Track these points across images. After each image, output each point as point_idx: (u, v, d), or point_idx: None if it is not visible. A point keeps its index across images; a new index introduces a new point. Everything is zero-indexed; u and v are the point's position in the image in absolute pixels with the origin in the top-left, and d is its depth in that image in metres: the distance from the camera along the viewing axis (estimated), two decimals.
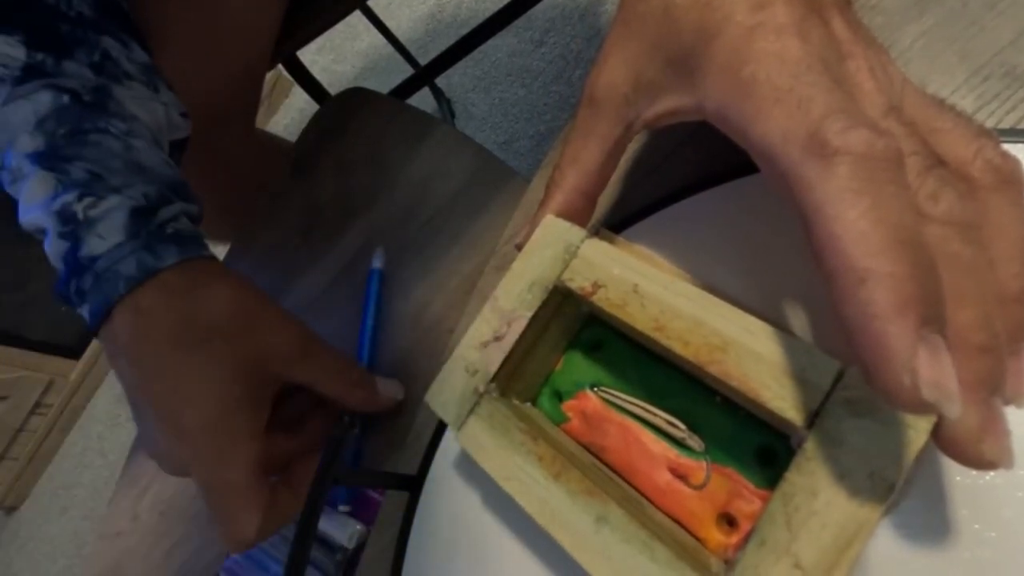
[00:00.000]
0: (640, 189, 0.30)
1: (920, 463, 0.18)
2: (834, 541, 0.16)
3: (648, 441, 0.23)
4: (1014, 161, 0.17)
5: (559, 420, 0.25)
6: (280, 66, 0.78)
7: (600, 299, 0.22)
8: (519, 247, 0.25)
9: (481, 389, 0.24)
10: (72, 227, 0.31)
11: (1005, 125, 0.22)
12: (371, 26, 1.19)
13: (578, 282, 0.23)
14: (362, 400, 0.36)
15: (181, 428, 0.30)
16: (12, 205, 0.34)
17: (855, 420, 0.17)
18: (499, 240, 0.37)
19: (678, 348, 0.20)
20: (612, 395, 0.24)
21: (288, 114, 1.74)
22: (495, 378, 0.24)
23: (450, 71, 1.13)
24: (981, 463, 0.15)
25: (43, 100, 0.33)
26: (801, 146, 0.15)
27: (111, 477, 1.74)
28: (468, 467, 0.28)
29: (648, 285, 0.22)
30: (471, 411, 0.24)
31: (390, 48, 1.25)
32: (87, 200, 0.32)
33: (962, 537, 0.18)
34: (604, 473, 0.23)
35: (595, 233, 0.24)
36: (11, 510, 1.95)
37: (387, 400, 0.36)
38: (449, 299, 0.40)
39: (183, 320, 0.31)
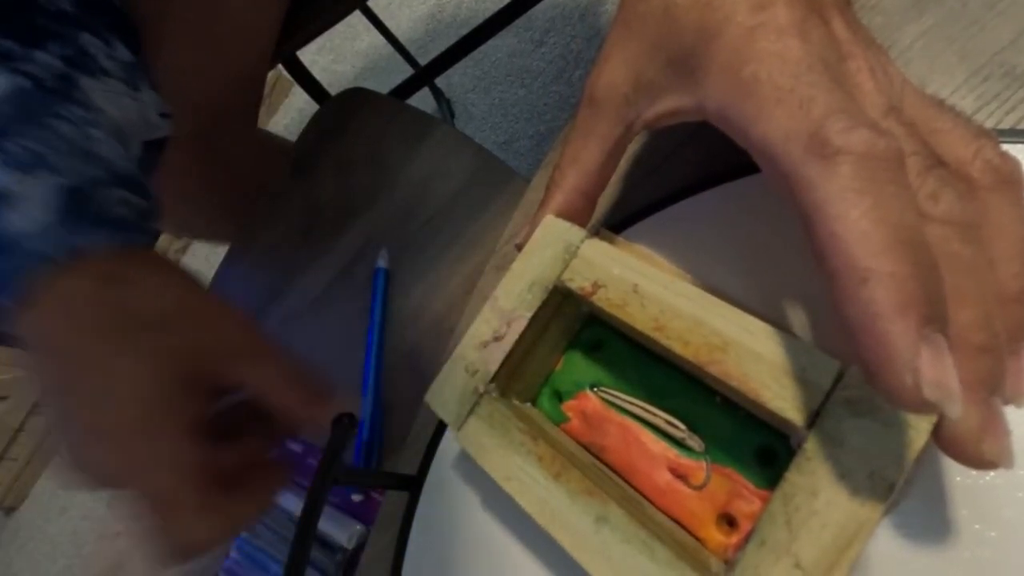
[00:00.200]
0: (640, 189, 0.30)
1: (920, 463, 0.18)
2: (834, 541, 0.16)
3: (648, 441, 0.23)
4: (1014, 161, 0.17)
5: (559, 420, 0.25)
6: (280, 66, 0.78)
7: (600, 299, 0.22)
8: (519, 247, 0.25)
9: (481, 389, 0.24)
10: None
11: (1005, 125, 0.22)
12: (371, 26, 1.19)
13: (578, 282, 0.23)
14: (315, 417, 0.30)
15: (107, 429, 0.27)
16: None
17: (855, 420, 0.17)
18: (499, 240, 0.37)
19: (678, 348, 0.20)
20: (612, 395, 0.24)
21: (288, 114, 1.74)
22: (495, 378, 0.24)
23: (450, 71, 1.13)
24: (981, 463, 0.15)
25: (1, 83, 0.31)
26: (802, 146, 0.15)
27: None
28: (468, 467, 0.28)
29: (648, 285, 0.22)
30: (471, 411, 0.24)
31: (390, 48, 1.25)
32: (17, 175, 0.29)
33: (962, 537, 0.18)
34: (604, 473, 0.23)
35: (595, 233, 0.24)
36: (10, 510, 1.95)
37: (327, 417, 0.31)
38: (449, 299, 0.40)
39: (112, 309, 0.28)
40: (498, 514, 0.26)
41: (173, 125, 0.41)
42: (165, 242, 1.60)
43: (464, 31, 1.04)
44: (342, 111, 0.54)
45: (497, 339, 0.24)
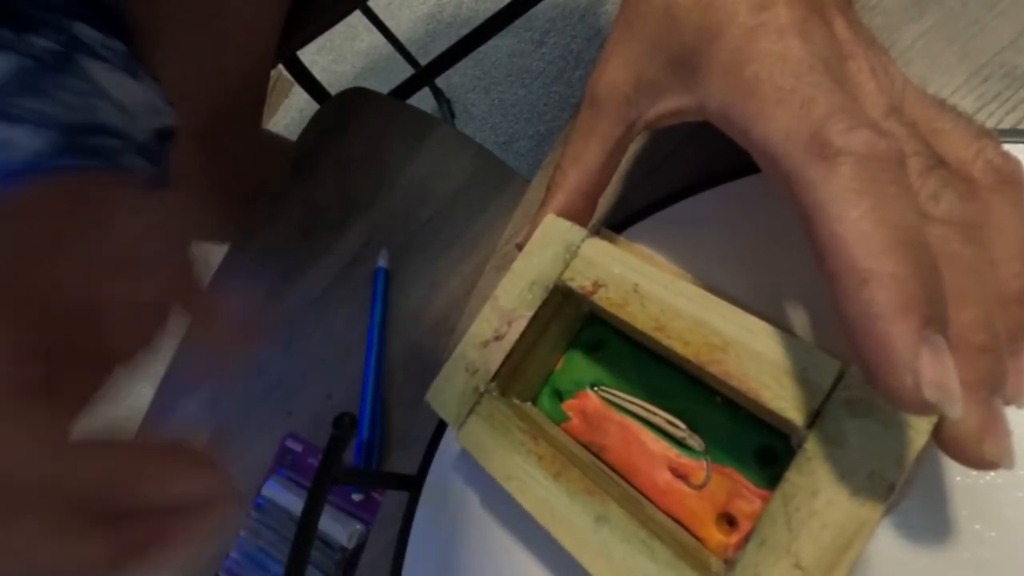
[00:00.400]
0: (641, 189, 0.30)
1: (920, 463, 0.18)
2: (834, 541, 0.16)
3: (648, 441, 0.23)
4: (1015, 161, 0.17)
5: (559, 419, 0.25)
6: (280, 66, 0.78)
7: (601, 298, 0.22)
8: (520, 247, 0.25)
9: (481, 388, 0.24)
10: None
11: (1005, 125, 0.22)
12: (371, 26, 1.19)
13: (579, 281, 0.23)
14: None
15: None
16: None
17: (856, 420, 0.17)
18: (499, 240, 0.37)
19: (678, 348, 0.20)
20: (612, 395, 0.24)
21: (288, 114, 1.74)
22: (495, 377, 0.24)
23: (450, 71, 1.13)
24: (982, 463, 0.15)
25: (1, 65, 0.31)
26: (803, 146, 0.15)
27: None
28: (468, 467, 0.28)
29: (649, 285, 0.22)
30: (471, 410, 0.24)
31: (390, 48, 1.25)
32: (25, 128, 0.29)
33: (962, 537, 0.18)
34: (604, 472, 0.23)
35: (596, 233, 0.24)
36: None
37: None
38: (449, 299, 0.40)
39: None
40: (498, 513, 0.26)
41: (178, 119, 0.41)
42: None
43: (464, 31, 1.04)
44: (342, 111, 0.54)
45: (498, 338, 0.24)
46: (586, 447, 0.24)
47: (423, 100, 1.34)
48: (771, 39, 0.17)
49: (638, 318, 0.21)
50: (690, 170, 0.28)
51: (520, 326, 0.24)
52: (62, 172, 0.27)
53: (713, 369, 0.19)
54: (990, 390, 0.15)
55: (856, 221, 0.14)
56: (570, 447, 0.23)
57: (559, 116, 1.23)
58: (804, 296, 0.22)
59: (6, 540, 0.20)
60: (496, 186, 0.42)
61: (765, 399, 0.18)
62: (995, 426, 0.15)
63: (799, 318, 0.22)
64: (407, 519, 0.30)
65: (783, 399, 0.18)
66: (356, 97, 0.53)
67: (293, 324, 0.47)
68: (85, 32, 0.36)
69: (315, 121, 0.55)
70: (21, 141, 0.28)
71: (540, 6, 1.01)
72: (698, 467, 0.22)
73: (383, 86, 0.89)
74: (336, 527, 0.37)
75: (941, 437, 0.15)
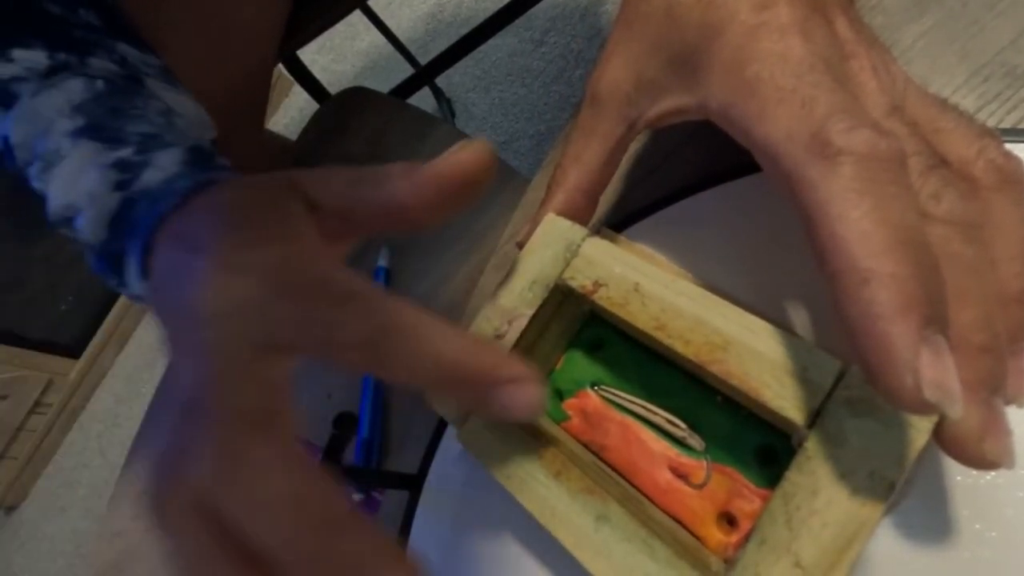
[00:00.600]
0: (641, 188, 0.30)
1: (921, 463, 0.18)
2: (834, 540, 0.16)
3: (649, 440, 0.23)
4: (1016, 161, 0.17)
5: (560, 419, 0.25)
6: (280, 65, 0.78)
7: (601, 298, 0.22)
8: (520, 245, 0.25)
9: None
10: (131, 173, 0.28)
11: (1006, 125, 0.22)
12: (371, 25, 1.19)
13: (579, 281, 0.23)
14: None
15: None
16: (38, 200, 0.31)
17: (856, 420, 0.17)
18: (499, 239, 0.37)
19: (679, 347, 0.20)
20: (613, 394, 0.24)
21: (288, 113, 1.74)
22: None
23: (450, 71, 1.13)
24: (982, 463, 0.15)
25: (75, 88, 0.32)
26: (804, 146, 0.15)
27: (111, 476, 1.73)
28: (468, 466, 0.28)
29: (649, 284, 0.22)
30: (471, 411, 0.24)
31: (390, 47, 1.25)
32: (146, 155, 0.29)
33: (963, 537, 0.18)
34: (604, 472, 0.23)
35: (596, 232, 0.24)
36: (10, 509, 1.95)
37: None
38: (450, 298, 0.40)
39: (235, 203, 0.25)
40: (498, 513, 0.26)
41: None
42: None
43: (464, 30, 1.04)
44: (342, 110, 0.54)
45: (498, 337, 0.24)
46: (586, 446, 0.24)
47: (423, 99, 1.34)
48: (772, 38, 0.17)
49: (639, 317, 0.21)
50: (691, 169, 0.28)
51: (520, 325, 0.24)
52: (210, 186, 0.27)
53: (714, 368, 0.19)
54: (990, 390, 0.15)
55: (857, 221, 0.14)
56: (570, 446, 0.23)
57: (559, 115, 1.23)
58: (805, 295, 0.22)
59: None
60: (496, 185, 0.42)
61: (766, 398, 0.18)
62: (995, 426, 0.15)
63: (800, 317, 0.22)
64: (407, 519, 0.30)
65: (784, 398, 0.18)
66: (356, 96, 0.53)
67: None
68: (128, 51, 0.36)
69: (315, 120, 0.55)
70: (158, 161, 0.29)
71: (540, 5, 1.01)
72: (698, 466, 0.22)
73: (383, 85, 0.89)
74: None
75: (942, 437, 0.15)
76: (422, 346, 0.19)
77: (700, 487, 0.21)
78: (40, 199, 0.31)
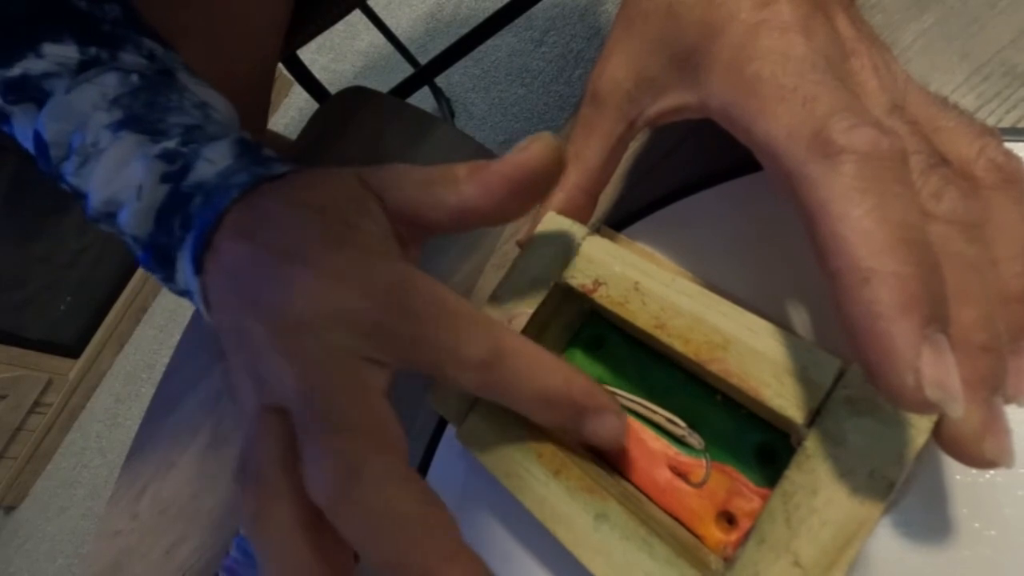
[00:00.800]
0: (641, 187, 0.30)
1: (920, 462, 0.18)
2: (834, 539, 0.16)
3: (648, 439, 0.23)
4: (1017, 160, 0.17)
5: None
6: (280, 65, 0.78)
7: (601, 296, 0.22)
8: (520, 244, 0.25)
9: None
10: (181, 162, 0.28)
11: (1005, 124, 0.22)
12: (371, 25, 1.19)
13: (579, 279, 0.23)
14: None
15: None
16: (77, 197, 0.31)
17: (856, 419, 0.17)
18: (499, 238, 0.37)
19: (679, 346, 0.20)
20: (613, 393, 0.24)
21: (288, 113, 1.74)
22: None
23: (450, 70, 1.13)
24: (982, 462, 0.15)
25: (110, 82, 0.31)
26: (806, 144, 0.15)
27: (110, 476, 1.74)
28: (468, 464, 0.28)
29: (649, 283, 0.22)
30: (471, 408, 0.24)
31: (390, 47, 1.25)
32: (191, 146, 0.28)
33: (962, 535, 0.18)
34: (604, 470, 0.23)
35: (596, 231, 0.24)
36: (10, 509, 1.95)
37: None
38: None
39: (316, 203, 0.24)
40: (498, 511, 0.26)
41: None
42: None
43: (464, 30, 1.04)
44: (342, 110, 0.54)
45: None
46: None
47: (423, 99, 1.34)
48: (773, 36, 0.17)
49: (638, 316, 0.21)
50: (690, 168, 0.28)
51: (520, 323, 0.24)
52: (268, 180, 0.27)
53: (713, 367, 0.19)
54: (991, 389, 0.15)
55: (858, 220, 0.14)
56: (570, 444, 0.23)
57: (559, 115, 1.23)
58: (804, 294, 0.22)
59: None
60: None
61: (765, 397, 0.18)
62: (995, 425, 0.15)
63: (799, 316, 0.22)
64: None
65: (783, 397, 0.18)
66: (356, 96, 0.53)
67: None
68: (153, 47, 0.36)
69: (315, 120, 0.55)
70: (208, 154, 0.28)
71: (540, 5, 1.01)
72: (698, 465, 0.22)
73: (383, 85, 0.89)
74: None
75: (942, 436, 0.15)
76: (531, 371, 0.20)
77: (699, 486, 0.21)
78: (78, 196, 0.31)
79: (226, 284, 0.24)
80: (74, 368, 1.91)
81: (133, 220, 0.28)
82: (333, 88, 0.72)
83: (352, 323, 0.20)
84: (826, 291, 0.15)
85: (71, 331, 1.89)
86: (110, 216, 0.29)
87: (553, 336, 0.25)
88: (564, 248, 0.24)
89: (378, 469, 0.17)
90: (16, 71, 0.31)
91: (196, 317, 0.54)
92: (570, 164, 0.24)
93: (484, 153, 0.44)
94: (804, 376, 0.18)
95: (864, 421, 0.17)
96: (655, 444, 0.23)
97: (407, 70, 1.19)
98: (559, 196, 0.24)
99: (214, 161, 0.27)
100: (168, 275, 0.28)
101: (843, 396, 0.17)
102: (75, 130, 0.30)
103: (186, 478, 0.47)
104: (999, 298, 0.16)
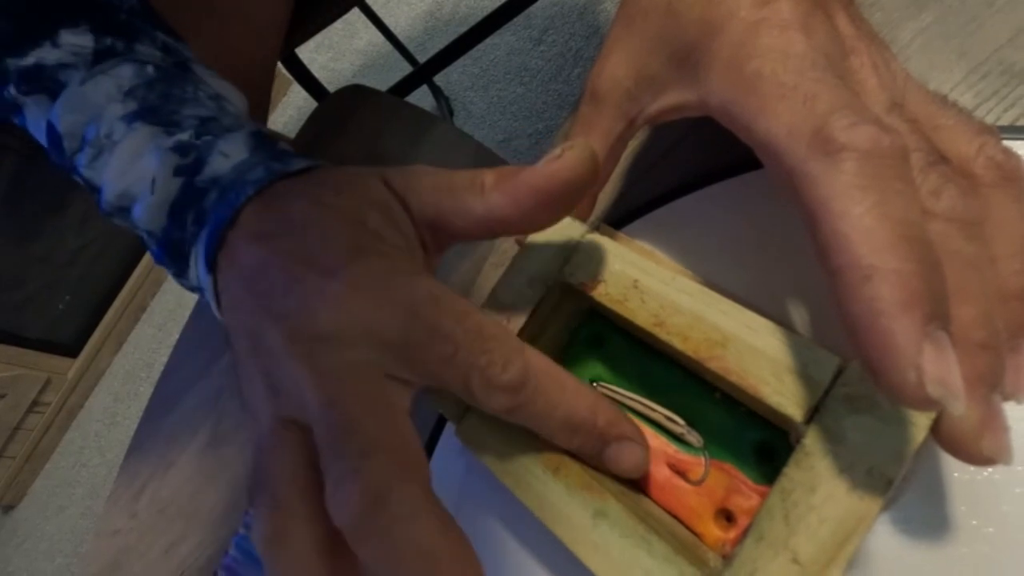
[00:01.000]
0: (640, 185, 0.30)
1: (919, 459, 0.18)
2: (832, 536, 0.16)
3: (647, 436, 0.23)
4: (1016, 158, 0.17)
5: None
6: (279, 63, 0.78)
7: (600, 294, 0.22)
8: (519, 242, 0.25)
9: None
10: (194, 155, 0.27)
11: (1003, 122, 0.22)
12: (369, 24, 1.19)
13: (578, 277, 0.23)
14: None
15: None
16: (90, 190, 0.30)
17: (855, 416, 0.17)
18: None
19: (678, 343, 0.20)
20: (612, 390, 0.24)
21: (286, 112, 1.74)
22: None
23: (449, 69, 1.13)
24: (980, 459, 0.15)
25: (125, 73, 0.30)
26: (807, 142, 0.15)
27: (109, 475, 1.73)
28: (467, 462, 0.28)
29: (648, 281, 0.22)
30: (470, 406, 0.24)
31: (389, 46, 1.25)
32: (205, 139, 0.28)
33: (960, 533, 0.18)
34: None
35: (595, 229, 0.24)
36: (9, 508, 1.95)
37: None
38: None
39: (339, 206, 0.23)
40: (497, 508, 0.26)
41: None
42: None
43: (463, 29, 1.04)
44: (341, 109, 0.53)
45: None
46: None
47: (422, 98, 1.34)
48: (773, 34, 0.17)
49: (638, 314, 0.21)
50: (690, 166, 0.28)
51: (520, 322, 0.24)
52: (286, 177, 0.26)
53: (712, 365, 0.19)
54: (989, 386, 0.15)
55: (860, 217, 0.14)
56: None
57: (558, 114, 1.23)
58: (804, 292, 0.22)
59: None
60: None
61: (764, 395, 0.18)
62: (994, 422, 0.15)
63: (799, 314, 0.22)
64: None
65: (782, 395, 0.18)
66: (354, 95, 0.53)
67: None
68: (167, 39, 0.36)
69: (313, 119, 0.55)
70: (223, 147, 0.27)
71: (539, 4, 1.01)
72: (696, 463, 0.22)
73: (381, 84, 0.89)
74: None
75: (940, 433, 0.15)
76: (558, 395, 0.20)
77: (698, 483, 0.21)
78: (91, 189, 0.30)
79: (241, 285, 0.23)
80: (73, 367, 1.91)
81: (147, 214, 0.28)
82: (332, 87, 0.72)
83: (378, 340, 0.20)
84: (825, 289, 0.15)
85: (70, 330, 1.88)
86: (123, 210, 0.29)
87: (552, 334, 0.25)
88: (563, 246, 0.24)
89: (404, 496, 0.17)
90: (30, 60, 0.31)
91: (195, 316, 0.54)
92: None
93: (483, 151, 0.44)
94: (803, 374, 0.18)
95: (863, 419, 0.17)
96: (654, 442, 0.23)
97: (406, 69, 1.19)
98: None
99: (229, 155, 0.27)
100: (181, 270, 0.28)
101: (842, 394, 0.17)
102: (89, 122, 0.29)
103: (185, 477, 0.47)
104: (998, 296, 0.16)
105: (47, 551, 1.76)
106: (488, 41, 1.06)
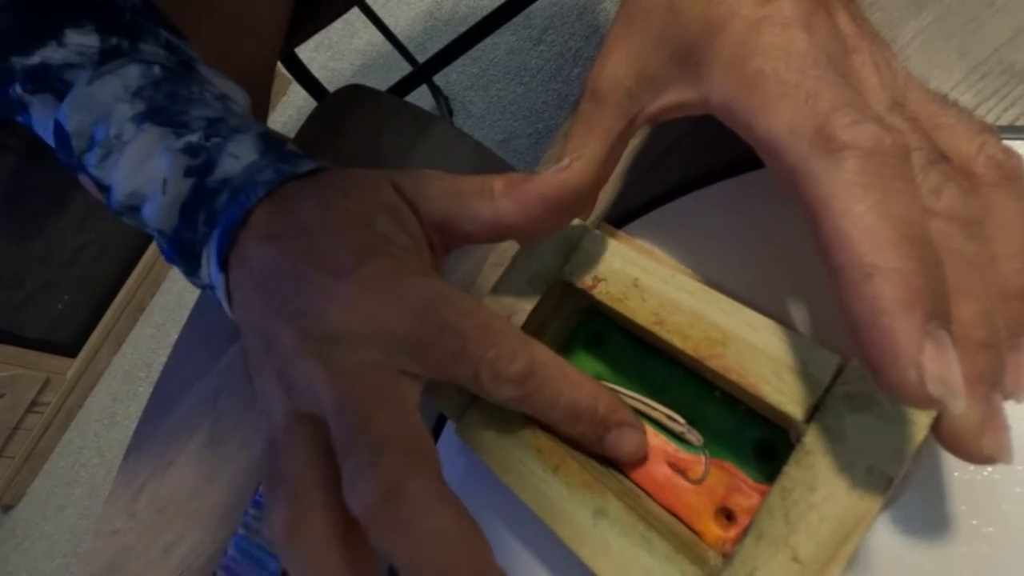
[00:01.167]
0: (640, 184, 0.30)
1: (919, 458, 0.18)
2: (832, 535, 0.16)
3: (647, 435, 0.23)
4: (1017, 157, 0.17)
5: None
6: (278, 63, 0.78)
7: (600, 293, 0.22)
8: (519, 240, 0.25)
9: None
10: (204, 156, 0.27)
11: (1003, 122, 0.22)
12: (369, 23, 1.19)
13: (579, 276, 0.23)
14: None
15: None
16: (99, 190, 0.30)
17: (855, 415, 0.17)
18: None
19: (678, 342, 0.20)
20: (612, 389, 0.24)
21: (286, 111, 1.73)
22: None
23: (448, 69, 1.13)
24: (980, 458, 0.15)
25: (131, 73, 0.31)
26: (808, 141, 0.15)
27: (108, 475, 1.73)
28: (467, 461, 0.28)
29: (648, 279, 0.22)
30: (470, 404, 0.24)
31: (388, 45, 1.25)
32: (214, 140, 0.28)
33: (960, 532, 0.18)
34: (602, 467, 0.23)
35: (596, 227, 0.24)
36: (8, 508, 1.95)
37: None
38: None
39: (348, 209, 0.24)
40: (497, 507, 0.26)
41: None
42: None
43: (462, 29, 1.04)
44: (340, 108, 0.53)
45: None
46: None
47: (421, 97, 1.34)
48: (775, 32, 0.17)
49: (638, 312, 0.21)
50: (691, 165, 0.28)
51: (520, 320, 0.24)
52: (295, 179, 0.26)
53: (712, 363, 0.19)
54: (990, 385, 0.15)
55: (861, 215, 0.14)
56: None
57: (557, 114, 1.23)
58: (804, 291, 0.22)
59: None
60: None
61: (764, 393, 0.18)
62: (994, 421, 0.15)
63: (799, 313, 0.22)
64: None
65: (782, 393, 0.18)
66: (354, 94, 0.53)
67: None
68: (170, 37, 0.36)
69: (313, 118, 0.55)
70: (232, 148, 0.28)
71: (538, 3, 1.01)
72: (696, 462, 0.22)
73: (381, 83, 0.89)
74: None
75: (940, 432, 0.15)
76: (562, 384, 0.21)
77: (698, 482, 0.21)
78: (100, 189, 0.31)
79: (252, 285, 0.24)
80: (72, 367, 1.91)
81: (158, 214, 0.28)
82: (331, 86, 0.72)
83: (387, 339, 0.21)
84: (826, 288, 0.15)
85: (69, 330, 1.88)
86: (133, 209, 0.29)
87: (553, 333, 0.25)
88: (564, 245, 0.24)
89: (418, 487, 0.18)
90: (36, 59, 0.31)
91: (193, 316, 0.54)
92: None
93: (483, 151, 0.44)
94: (803, 372, 0.18)
95: (863, 417, 0.17)
96: (654, 440, 0.23)
97: (405, 68, 1.19)
98: None
99: (239, 156, 0.27)
100: (192, 269, 0.28)
101: (842, 392, 0.17)
102: (97, 122, 0.30)
103: (184, 477, 0.47)
104: (998, 294, 0.16)
105: (46, 551, 1.76)
106: (487, 41, 1.06)
